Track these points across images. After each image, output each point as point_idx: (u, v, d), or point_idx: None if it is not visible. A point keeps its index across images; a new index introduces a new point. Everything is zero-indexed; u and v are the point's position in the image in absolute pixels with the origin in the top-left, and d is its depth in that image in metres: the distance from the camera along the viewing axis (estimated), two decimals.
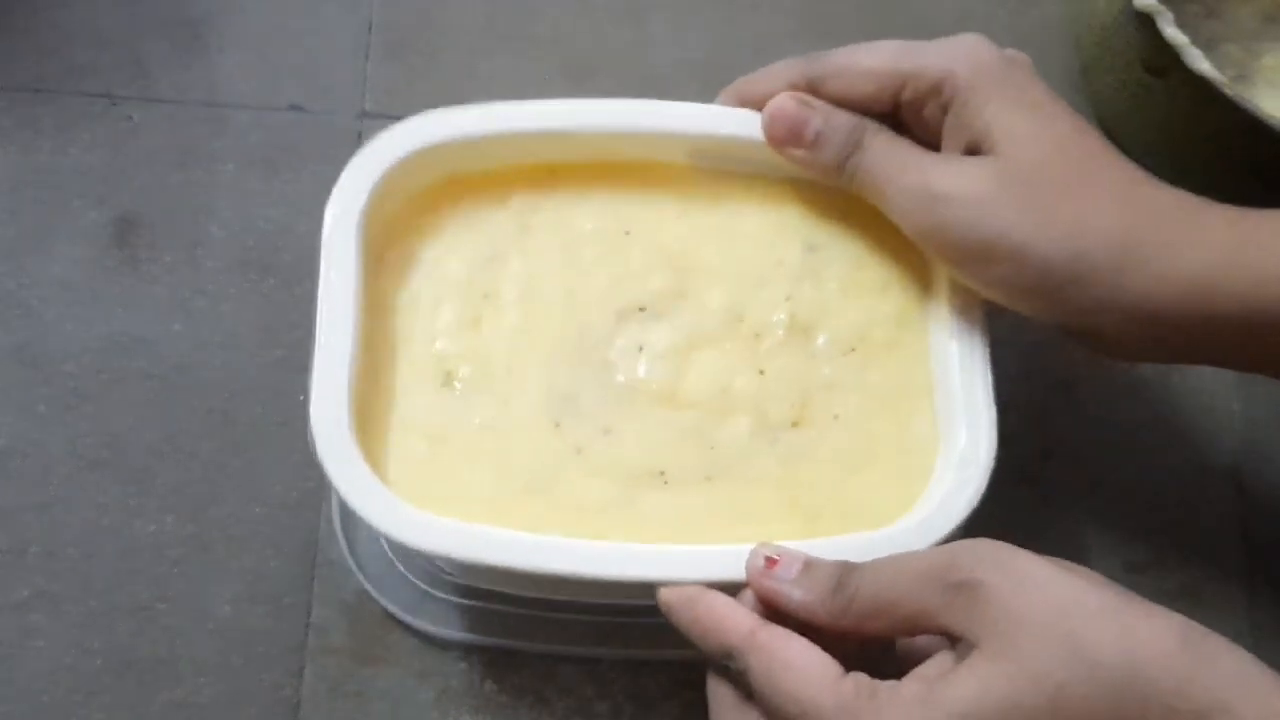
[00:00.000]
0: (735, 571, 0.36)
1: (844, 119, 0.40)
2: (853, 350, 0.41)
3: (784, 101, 0.41)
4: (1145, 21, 0.46)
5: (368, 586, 0.44)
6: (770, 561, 0.36)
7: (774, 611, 0.36)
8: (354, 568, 0.44)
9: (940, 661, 0.33)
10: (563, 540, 0.37)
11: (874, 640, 0.35)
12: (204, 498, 0.45)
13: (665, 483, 0.39)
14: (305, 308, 0.47)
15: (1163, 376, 0.49)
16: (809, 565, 0.36)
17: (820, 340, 0.41)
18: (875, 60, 0.40)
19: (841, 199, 0.42)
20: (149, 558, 0.44)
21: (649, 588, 0.37)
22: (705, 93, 0.52)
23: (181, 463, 0.45)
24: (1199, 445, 0.49)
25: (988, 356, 0.40)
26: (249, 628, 0.44)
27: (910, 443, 0.40)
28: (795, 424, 0.40)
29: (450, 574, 0.43)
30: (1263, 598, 0.47)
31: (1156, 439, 0.49)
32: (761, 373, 0.41)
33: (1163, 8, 0.45)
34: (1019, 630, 0.31)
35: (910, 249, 0.41)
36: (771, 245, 0.42)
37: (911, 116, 0.40)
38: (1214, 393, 0.49)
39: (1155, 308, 0.37)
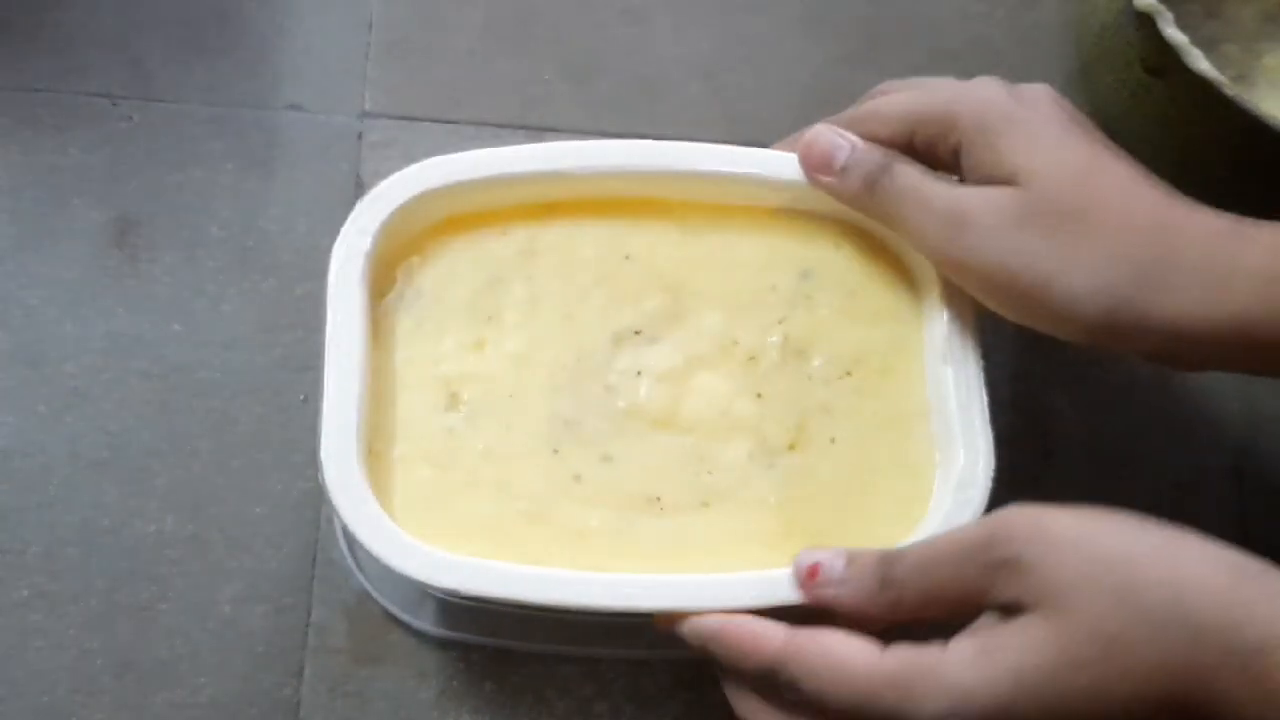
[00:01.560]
0: (743, 598, 0.37)
1: (874, 150, 0.41)
2: (848, 374, 0.42)
3: (822, 129, 0.42)
4: (1145, 21, 0.46)
5: (368, 586, 0.44)
6: (813, 569, 0.36)
7: (824, 614, 0.36)
8: (354, 568, 0.44)
9: (987, 619, 0.33)
10: (568, 573, 0.37)
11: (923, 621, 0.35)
12: (204, 498, 0.45)
13: (661, 509, 0.40)
14: (305, 308, 0.47)
15: (1163, 377, 0.49)
16: (851, 559, 0.36)
17: (816, 363, 0.42)
18: (891, 108, 0.42)
19: (836, 231, 0.43)
20: (149, 558, 0.44)
21: (651, 617, 0.37)
22: (705, 92, 0.52)
23: (181, 463, 0.45)
24: (1199, 445, 0.49)
25: (983, 380, 0.40)
26: (249, 628, 0.44)
27: (908, 466, 0.41)
28: (792, 447, 0.41)
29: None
30: None
31: (1156, 439, 0.49)
32: (759, 396, 0.41)
33: (1163, 8, 0.45)
34: (1068, 593, 0.32)
35: (904, 278, 0.42)
36: (766, 272, 0.43)
37: (930, 159, 0.41)
38: (1214, 393, 0.49)
39: (1190, 336, 0.36)
